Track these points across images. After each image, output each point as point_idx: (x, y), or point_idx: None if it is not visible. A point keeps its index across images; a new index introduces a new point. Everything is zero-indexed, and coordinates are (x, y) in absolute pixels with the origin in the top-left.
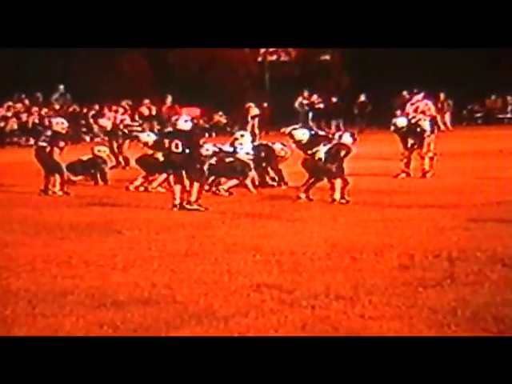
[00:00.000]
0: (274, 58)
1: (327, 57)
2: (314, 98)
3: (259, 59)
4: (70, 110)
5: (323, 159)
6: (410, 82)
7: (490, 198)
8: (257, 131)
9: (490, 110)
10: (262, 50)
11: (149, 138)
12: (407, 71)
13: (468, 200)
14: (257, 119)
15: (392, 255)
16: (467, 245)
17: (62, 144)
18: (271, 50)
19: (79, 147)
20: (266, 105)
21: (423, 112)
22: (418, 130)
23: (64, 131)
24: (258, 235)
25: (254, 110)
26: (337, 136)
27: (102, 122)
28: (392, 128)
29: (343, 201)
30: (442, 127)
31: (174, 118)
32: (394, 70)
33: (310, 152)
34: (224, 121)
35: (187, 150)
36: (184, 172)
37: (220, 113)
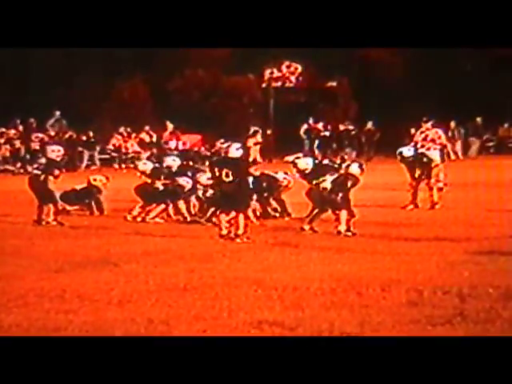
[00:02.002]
0: (279, 84)
1: (334, 83)
2: (320, 125)
3: (263, 85)
4: (66, 136)
5: (329, 189)
6: (419, 109)
7: (503, 231)
8: (259, 160)
9: (503, 139)
10: (267, 76)
11: (146, 166)
12: (417, 98)
13: (479, 233)
14: (258, 147)
15: (400, 291)
16: (478, 280)
17: (56, 172)
18: (276, 75)
19: (75, 175)
20: (269, 132)
21: (433, 140)
22: (425, 160)
23: (59, 159)
24: (260, 269)
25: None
26: (344, 166)
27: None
28: (398, 158)
29: (349, 233)
30: (453, 156)
31: (225, 146)
32: (403, 97)
33: (315, 182)
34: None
35: (238, 180)
36: (233, 202)
37: (222, 140)
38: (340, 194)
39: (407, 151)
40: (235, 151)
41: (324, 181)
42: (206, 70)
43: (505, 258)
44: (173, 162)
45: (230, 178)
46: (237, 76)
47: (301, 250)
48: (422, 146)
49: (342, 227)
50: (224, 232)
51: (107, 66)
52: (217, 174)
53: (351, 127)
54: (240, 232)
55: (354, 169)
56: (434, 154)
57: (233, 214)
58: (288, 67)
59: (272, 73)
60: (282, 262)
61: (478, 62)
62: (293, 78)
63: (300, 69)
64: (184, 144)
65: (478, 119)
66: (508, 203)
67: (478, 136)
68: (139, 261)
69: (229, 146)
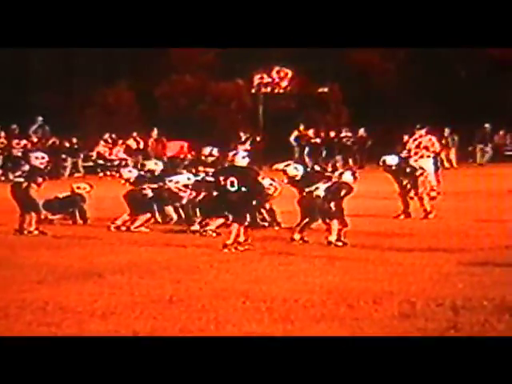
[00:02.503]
0: (269, 89)
1: (325, 89)
2: (311, 132)
3: (253, 91)
4: (49, 142)
5: (322, 198)
6: (412, 116)
7: (498, 242)
8: None
9: (498, 147)
10: (256, 81)
11: (130, 174)
12: (409, 105)
13: (474, 244)
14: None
15: (392, 303)
16: (473, 292)
17: (39, 180)
18: (265, 81)
19: (58, 183)
20: (258, 139)
21: (426, 148)
22: (408, 170)
23: (43, 166)
24: (248, 280)
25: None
26: (337, 174)
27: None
28: (382, 167)
29: (339, 243)
30: (447, 164)
31: (230, 154)
32: (396, 103)
33: (307, 190)
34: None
35: (243, 189)
36: (240, 212)
37: (209, 147)
38: (333, 203)
39: (391, 160)
40: (241, 160)
41: (317, 189)
42: (193, 76)
43: (500, 270)
44: (155, 165)
45: (236, 188)
46: (225, 81)
47: (290, 260)
48: (415, 154)
49: (333, 237)
50: (229, 242)
51: (92, 71)
52: (222, 182)
53: (349, 134)
54: (229, 242)
55: (347, 177)
56: (427, 162)
57: (221, 220)
58: (278, 72)
59: (261, 78)
60: (270, 273)
61: (472, 68)
62: (283, 84)
63: (290, 74)
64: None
65: (487, 125)
66: (503, 213)
67: (486, 143)
68: (124, 272)
69: (235, 154)
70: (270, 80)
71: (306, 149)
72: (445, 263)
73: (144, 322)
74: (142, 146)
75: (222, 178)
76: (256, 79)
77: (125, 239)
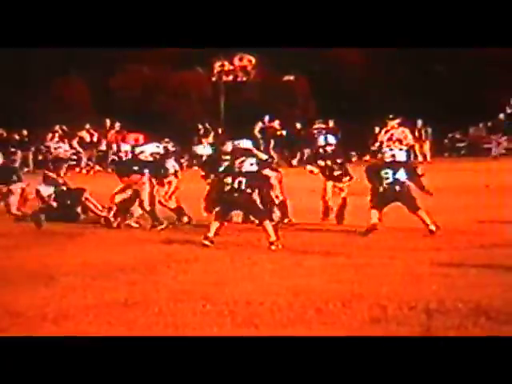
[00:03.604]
0: (231, 78)
1: (291, 77)
2: (276, 123)
3: (213, 79)
4: None
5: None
6: (384, 107)
7: (474, 241)
8: None
9: (475, 140)
10: (217, 69)
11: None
12: (382, 95)
13: (448, 243)
14: None
15: (362, 306)
16: (447, 295)
17: None
18: (227, 69)
19: None
20: (220, 131)
21: (399, 141)
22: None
23: None
24: (209, 282)
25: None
26: (389, 152)
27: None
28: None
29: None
30: (420, 158)
31: (237, 162)
32: (368, 93)
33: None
34: (172, 148)
35: (248, 190)
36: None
37: (166, 139)
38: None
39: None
40: (249, 166)
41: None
42: (149, 65)
43: (475, 271)
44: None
45: (243, 187)
46: (183, 70)
47: (255, 260)
48: (388, 147)
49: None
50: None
51: (43, 61)
52: (229, 181)
53: (322, 126)
54: (272, 239)
55: (401, 154)
56: (400, 156)
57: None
58: (240, 60)
59: (222, 66)
60: (233, 274)
61: (446, 61)
62: (246, 72)
63: (254, 61)
64: None
65: (501, 115)
66: (479, 210)
67: (502, 134)
68: (77, 273)
69: (243, 162)
70: (231, 68)
71: (272, 142)
72: (417, 264)
73: (98, 327)
74: (95, 138)
75: (230, 179)
76: (216, 67)
77: (77, 238)
